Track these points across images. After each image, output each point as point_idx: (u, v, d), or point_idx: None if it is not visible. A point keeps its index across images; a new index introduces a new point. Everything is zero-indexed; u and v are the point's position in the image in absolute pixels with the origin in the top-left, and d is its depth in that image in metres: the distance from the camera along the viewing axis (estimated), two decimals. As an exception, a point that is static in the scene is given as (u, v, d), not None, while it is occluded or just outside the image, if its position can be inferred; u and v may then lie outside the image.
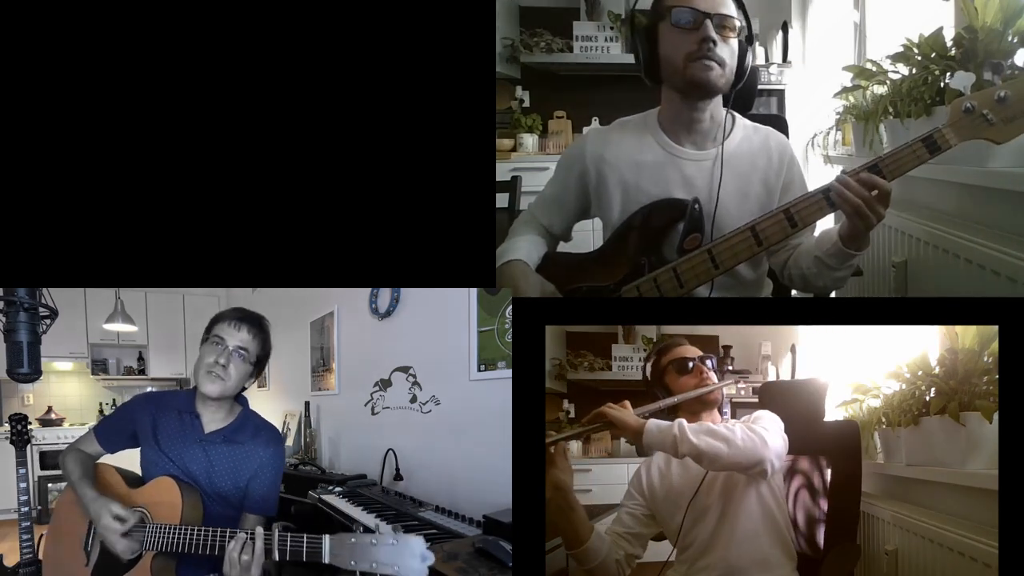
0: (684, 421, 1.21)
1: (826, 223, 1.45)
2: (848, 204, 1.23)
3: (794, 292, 1.68)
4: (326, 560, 1.18)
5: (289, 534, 1.24)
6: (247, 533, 1.28)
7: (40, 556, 2.25)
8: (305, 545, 1.21)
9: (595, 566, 1.23)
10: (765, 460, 1.19)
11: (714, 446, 1.18)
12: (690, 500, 1.27)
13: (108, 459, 1.67)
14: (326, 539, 1.18)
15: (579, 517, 1.21)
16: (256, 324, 1.59)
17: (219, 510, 1.53)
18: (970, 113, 1.24)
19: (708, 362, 1.37)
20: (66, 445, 1.71)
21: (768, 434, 1.21)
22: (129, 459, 1.64)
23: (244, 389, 1.62)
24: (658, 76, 1.44)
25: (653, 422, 1.21)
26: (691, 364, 1.35)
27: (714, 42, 1.34)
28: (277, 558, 1.24)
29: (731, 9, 1.37)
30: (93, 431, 1.67)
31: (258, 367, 1.60)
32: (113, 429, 1.65)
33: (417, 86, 1.26)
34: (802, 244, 1.44)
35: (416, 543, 1.15)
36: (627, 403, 1.24)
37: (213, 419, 1.59)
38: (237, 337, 1.55)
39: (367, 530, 1.20)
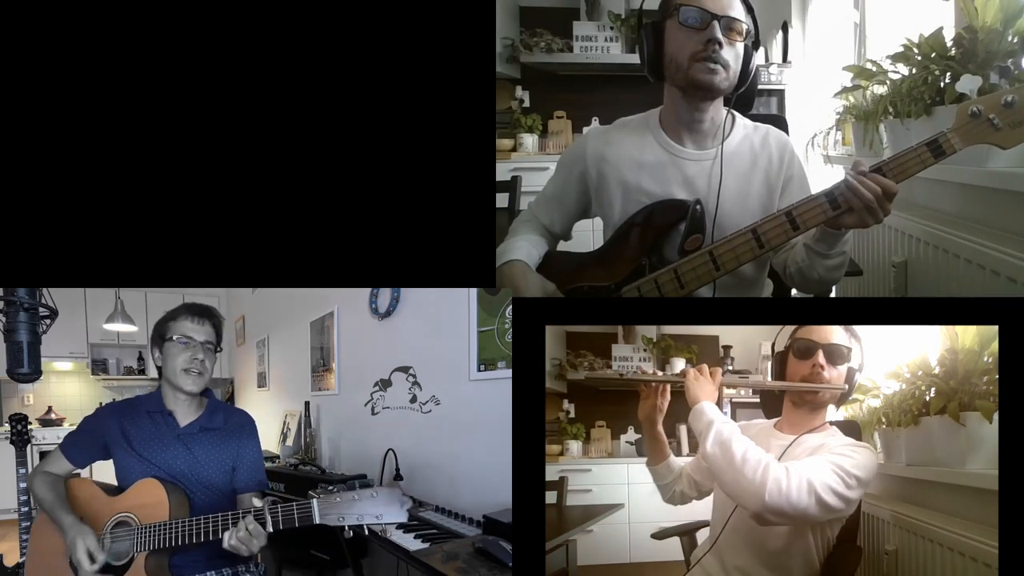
0: (726, 422, 1.16)
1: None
2: (861, 199, 1.22)
3: (794, 292, 1.68)
4: (316, 520, 1.27)
5: (279, 506, 1.32)
6: (239, 516, 1.34)
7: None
8: (296, 511, 1.29)
9: (659, 485, 1.40)
10: (758, 513, 1.11)
11: (717, 463, 1.14)
12: None
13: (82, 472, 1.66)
14: (314, 502, 1.28)
15: (657, 445, 1.37)
16: (213, 316, 1.64)
17: (208, 502, 1.55)
18: (976, 117, 1.22)
19: (846, 350, 1.24)
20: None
21: (787, 489, 1.09)
22: (107, 473, 1.63)
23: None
24: (661, 73, 1.43)
25: (703, 406, 1.18)
26: (813, 351, 1.24)
27: (720, 44, 1.33)
28: (272, 529, 1.32)
29: (740, 13, 1.37)
30: (60, 448, 1.66)
31: (219, 350, 1.66)
32: (81, 443, 1.64)
33: (417, 86, 1.26)
34: (797, 242, 1.43)
35: (394, 492, 1.28)
36: (718, 371, 1.21)
37: (186, 413, 1.62)
38: (203, 332, 1.59)
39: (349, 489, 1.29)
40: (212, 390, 1.71)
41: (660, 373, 1.32)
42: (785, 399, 1.29)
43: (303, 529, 1.30)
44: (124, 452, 1.56)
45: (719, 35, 1.33)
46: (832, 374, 1.24)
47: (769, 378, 1.36)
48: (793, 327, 1.29)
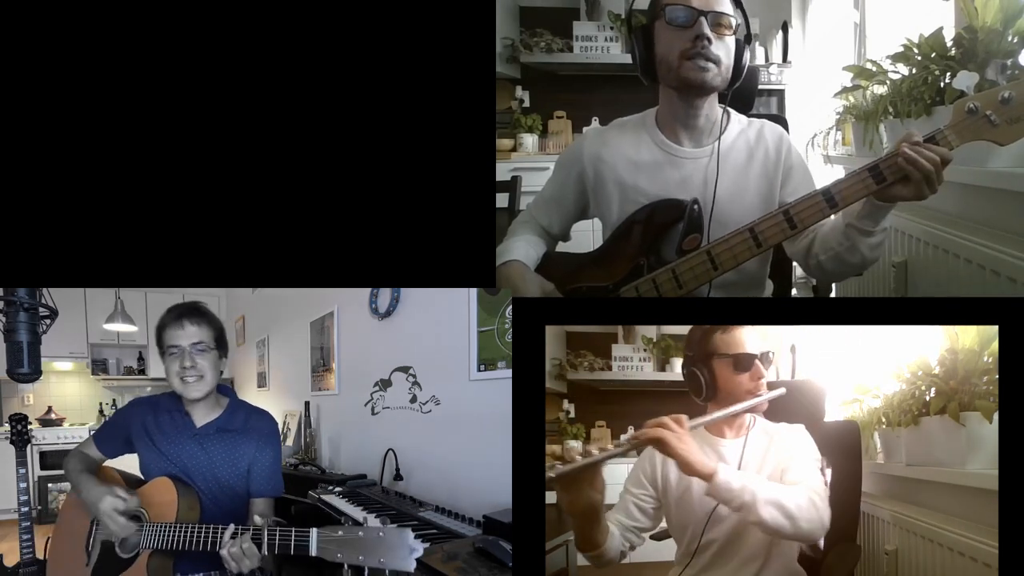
0: (758, 488, 1.11)
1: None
2: (920, 170, 1.20)
3: (794, 292, 1.67)
4: (313, 553, 1.20)
5: (278, 528, 1.27)
6: (237, 530, 1.32)
7: (41, 556, 2.25)
8: (293, 539, 1.24)
9: (605, 562, 1.21)
10: (816, 538, 1.18)
11: (778, 522, 1.11)
12: (711, 510, 1.20)
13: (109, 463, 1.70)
14: (313, 532, 1.21)
15: (600, 529, 1.19)
16: (195, 312, 1.60)
17: (224, 505, 1.56)
18: (973, 114, 1.22)
19: (770, 355, 1.24)
20: (66, 445, 1.73)
21: (824, 505, 1.16)
22: (132, 465, 1.67)
23: (221, 374, 1.64)
24: (654, 74, 1.44)
25: (726, 476, 1.10)
26: (750, 362, 1.22)
27: (708, 39, 1.34)
28: (266, 552, 1.28)
29: (727, 7, 1.37)
30: (92, 436, 1.71)
31: (221, 347, 1.62)
32: (109, 434, 1.69)
33: (417, 86, 1.26)
34: (823, 228, 1.40)
35: (404, 535, 1.16)
36: (684, 419, 1.11)
37: (204, 414, 1.62)
38: (186, 336, 1.56)
39: (356, 522, 1.21)
40: (232, 389, 1.71)
41: (596, 451, 1.12)
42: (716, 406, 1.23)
43: (301, 524, 1.28)
44: (145, 447, 1.60)
45: (707, 31, 1.34)
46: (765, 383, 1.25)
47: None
48: (700, 343, 1.24)
